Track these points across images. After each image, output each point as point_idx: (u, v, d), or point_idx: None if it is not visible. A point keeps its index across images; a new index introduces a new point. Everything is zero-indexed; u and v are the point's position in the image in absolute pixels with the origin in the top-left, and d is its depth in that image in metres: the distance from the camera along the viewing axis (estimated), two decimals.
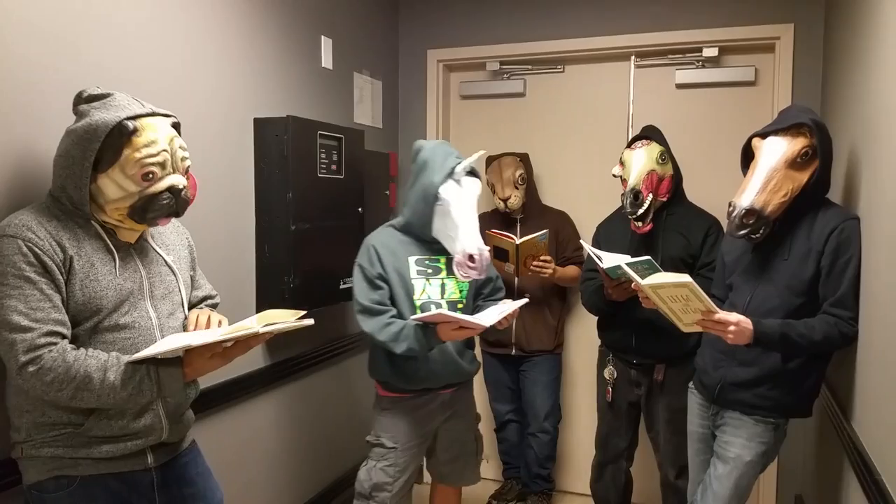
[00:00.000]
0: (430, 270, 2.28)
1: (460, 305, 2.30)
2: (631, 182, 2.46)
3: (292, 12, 2.71)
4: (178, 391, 1.52)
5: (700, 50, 3.19)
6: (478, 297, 2.43)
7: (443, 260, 2.29)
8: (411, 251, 2.27)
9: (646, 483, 3.09)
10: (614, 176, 2.61)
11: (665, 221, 2.58)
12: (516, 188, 3.06)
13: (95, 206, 1.49)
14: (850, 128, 2.26)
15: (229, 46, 2.37)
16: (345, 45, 3.09)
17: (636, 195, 2.44)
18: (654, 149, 2.50)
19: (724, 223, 2.15)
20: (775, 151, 1.96)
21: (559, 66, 3.50)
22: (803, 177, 1.96)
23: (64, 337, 1.42)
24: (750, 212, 1.93)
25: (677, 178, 2.58)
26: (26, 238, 1.39)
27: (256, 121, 2.49)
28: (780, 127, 1.99)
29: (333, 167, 2.72)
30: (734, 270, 2.17)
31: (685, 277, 1.86)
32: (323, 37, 2.92)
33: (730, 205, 1.98)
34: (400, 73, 3.66)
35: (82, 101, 1.50)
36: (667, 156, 2.52)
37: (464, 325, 2.06)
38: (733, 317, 1.90)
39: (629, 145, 2.58)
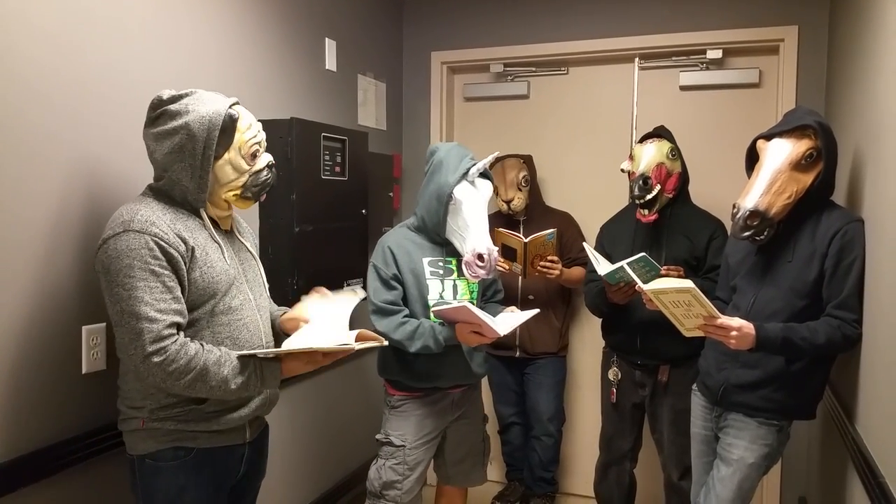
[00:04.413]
0: (442, 272, 2.30)
1: None
2: (641, 168, 2.48)
3: (296, 15, 2.72)
4: (276, 386, 1.70)
5: (704, 52, 3.19)
6: (481, 298, 2.45)
7: (454, 262, 2.32)
8: (425, 252, 2.30)
9: (649, 484, 3.08)
10: (622, 171, 2.62)
11: (669, 221, 2.58)
12: (520, 190, 3.06)
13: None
14: (855, 130, 2.26)
15: (233, 49, 2.37)
16: (349, 48, 3.10)
17: (645, 180, 2.46)
18: (665, 145, 2.53)
19: (729, 225, 2.15)
20: (780, 153, 1.96)
21: (563, 68, 3.50)
22: (808, 179, 1.96)
23: (181, 328, 1.54)
24: (754, 213, 1.93)
25: (684, 177, 2.59)
26: (152, 233, 1.50)
27: (261, 122, 2.47)
28: (785, 129, 1.99)
29: (337, 169, 2.73)
30: (738, 272, 2.17)
31: (687, 283, 1.86)
32: (327, 39, 2.93)
33: (734, 206, 1.97)
34: (404, 75, 3.67)
35: (166, 102, 1.59)
36: (677, 153, 2.55)
37: (479, 331, 2.11)
38: (735, 322, 1.89)
39: (640, 141, 2.60)
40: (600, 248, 2.71)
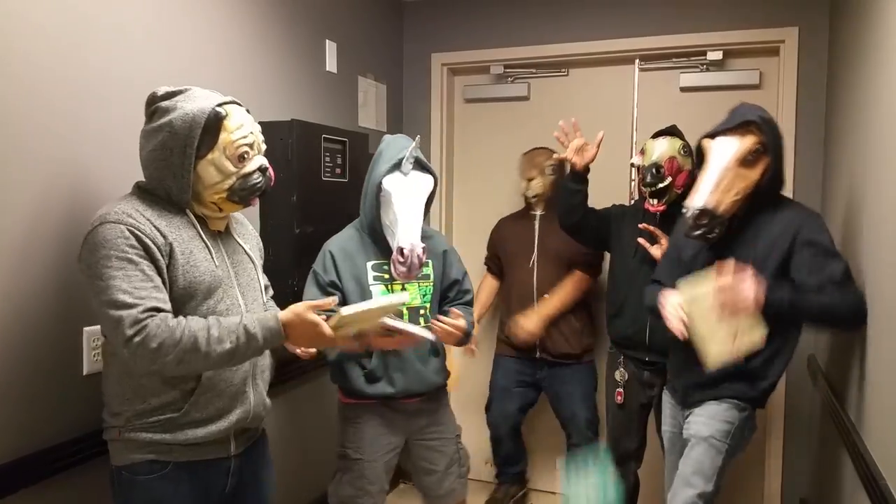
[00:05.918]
0: (387, 276, 2.15)
1: (423, 312, 2.18)
2: (653, 158, 2.50)
3: (297, 17, 2.72)
4: (278, 344, 1.61)
5: (704, 53, 3.19)
6: (444, 301, 2.29)
7: None
8: (369, 256, 2.16)
9: (650, 484, 3.08)
10: (632, 165, 2.63)
11: (676, 219, 2.57)
12: (542, 173, 3.03)
13: (193, 194, 1.57)
14: (855, 130, 2.26)
15: (234, 50, 2.38)
16: (349, 49, 3.10)
17: (658, 168, 2.47)
18: (677, 141, 2.56)
19: None
20: (725, 151, 1.97)
21: (563, 70, 3.50)
22: (754, 174, 1.96)
23: (164, 312, 1.47)
24: (703, 212, 1.94)
25: (693, 176, 2.59)
26: (128, 223, 1.47)
27: (261, 124, 2.46)
28: (729, 126, 1.99)
29: (338, 171, 2.73)
30: (692, 269, 2.10)
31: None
32: (328, 41, 2.93)
33: (683, 207, 1.99)
34: (404, 76, 3.67)
35: (159, 98, 1.56)
36: (688, 151, 2.56)
37: (398, 331, 1.82)
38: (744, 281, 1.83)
39: (652, 137, 2.61)
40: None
